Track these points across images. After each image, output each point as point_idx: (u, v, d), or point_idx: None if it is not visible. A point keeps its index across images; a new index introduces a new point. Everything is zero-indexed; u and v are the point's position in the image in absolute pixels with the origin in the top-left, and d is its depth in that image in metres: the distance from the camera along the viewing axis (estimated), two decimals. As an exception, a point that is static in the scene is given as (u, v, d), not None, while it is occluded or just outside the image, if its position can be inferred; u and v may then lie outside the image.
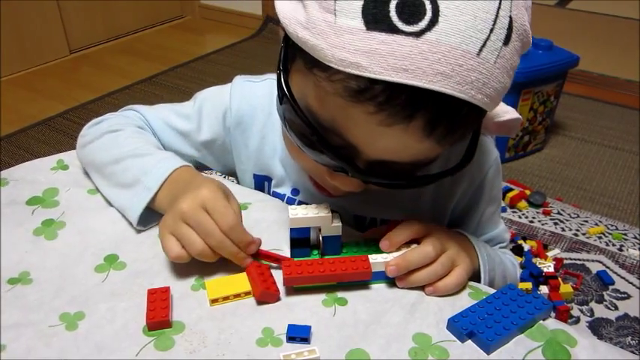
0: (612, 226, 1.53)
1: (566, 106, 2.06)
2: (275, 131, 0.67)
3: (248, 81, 0.69)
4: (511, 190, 1.63)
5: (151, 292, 0.51)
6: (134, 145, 0.64)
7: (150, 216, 0.59)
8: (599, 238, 1.48)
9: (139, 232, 0.60)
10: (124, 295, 0.53)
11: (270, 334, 0.49)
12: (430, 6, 0.40)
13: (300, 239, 0.55)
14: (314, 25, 0.43)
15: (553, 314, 1.18)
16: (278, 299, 0.52)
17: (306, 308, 0.52)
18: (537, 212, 1.58)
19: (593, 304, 1.27)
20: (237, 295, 0.52)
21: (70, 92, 2.26)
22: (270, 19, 2.92)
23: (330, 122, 0.48)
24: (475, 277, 0.58)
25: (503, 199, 1.59)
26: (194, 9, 3.11)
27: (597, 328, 1.21)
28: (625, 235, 1.49)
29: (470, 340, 0.49)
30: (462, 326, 0.49)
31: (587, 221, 1.54)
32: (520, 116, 0.63)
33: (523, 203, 1.60)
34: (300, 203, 0.68)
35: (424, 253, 0.53)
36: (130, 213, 0.59)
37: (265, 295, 0.51)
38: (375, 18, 0.41)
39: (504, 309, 0.51)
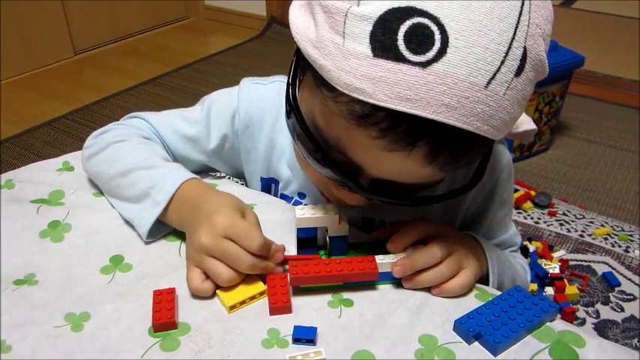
0: (618, 227, 1.52)
1: (571, 107, 2.05)
2: (283, 134, 0.67)
3: (256, 83, 0.68)
4: (516, 190, 1.63)
5: (157, 294, 0.51)
6: (140, 156, 0.63)
7: (159, 227, 0.59)
8: (605, 239, 1.47)
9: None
10: (130, 296, 0.53)
11: (276, 335, 0.49)
12: (439, 36, 0.40)
13: (307, 239, 0.55)
14: (323, 45, 0.43)
15: (559, 316, 1.17)
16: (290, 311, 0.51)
17: (311, 309, 0.51)
18: (543, 213, 1.57)
19: (598, 306, 1.27)
20: (252, 298, 0.52)
21: (74, 93, 2.27)
22: (274, 19, 2.93)
23: (334, 140, 0.49)
24: (484, 280, 0.57)
25: (509, 200, 1.58)
26: (198, 10, 3.12)
27: (603, 329, 1.20)
28: (631, 236, 1.48)
29: (476, 342, 0.49)
30: (468, 328, 0.49)
31: (592, 222, 1.53)
32: (536, 127, 0.63)
33: (528, 204, 1.59)
34: None
35: (431, 254, 0.53)
36: (140, 227, 0.59)
37: (278, 310, 0.51)
38: (383, 45, 0.40)
39: (511, 311, 0.50)
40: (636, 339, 1.18)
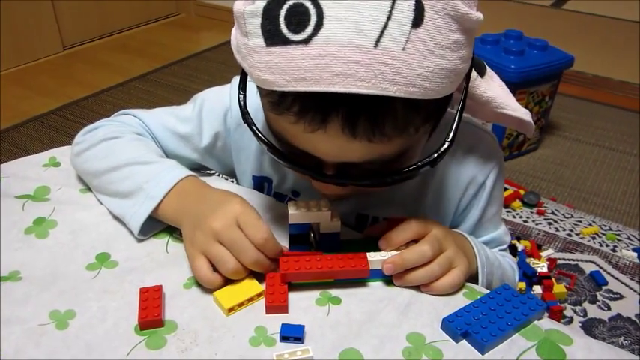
0: (606, 226, 1.53)
1: (560, 107, 2.07)
2: None
3: (247, 81, 0.68)
4: (505, 189, 1.63)
5: (143, 291, 0.51)
6: (135, 152, 0.63)
7: (151, 224, 0.58)
8: (593, 238, 1.48)
9: (130, 230, 0.59)
10: (116, 293, 0.52)
11: (264, 333, 0.48)
12: (314, 10, 0.41)
13: (300, 235, 0.55)
14: (239, 49, 0.47)
15: (546, 314, 1.18)
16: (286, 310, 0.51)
17: (299, 307, 0.51)
18: (531, 212, 1.58)
19: (586, 305, 1.28)
20: (250, 299, 0.51)
21: (63, 89, 2.25)
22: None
23: (281, 135, 0.50)
24: (473, 279, 0.57)
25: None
26: (189, 6, 3.10)
27: (590, 328, 1.21)
28: (618, 235, 1.49)
29: (464, 340, 0.49)
30: (456, 326, 0.49)
31: (580, 221, 1.54)
32: (532, 122, 0.64)
33: (517, 203, 1.60)
34: None
35: (421, 252, 0.53)
36: (132, 222, 0.58)
37: (274, 309, 0.51)
38: (270, 33, 0.43)
39: (499, 309, 0.50)
40: (622, 337, 1.19)
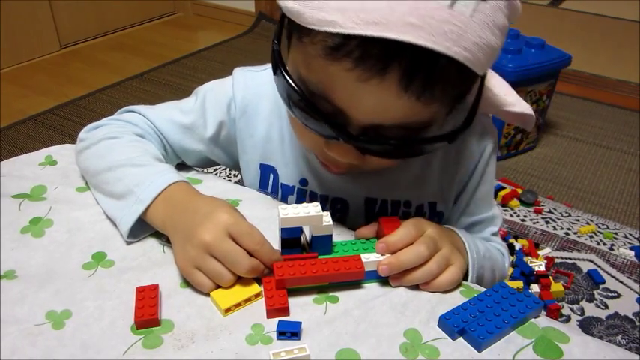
0: (603, 225, 1.53)
1: (558, 106, 2.07)
2: (282, 118, 0.67)
3: (249, 71, 0.69)
4: (503, 188, 1.64)
5: (140, 290, 0.50)
6: (131, 154, 0.62)
7: (142, 227, 0.58)
8: (590, 237, 1.49)
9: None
10: (112, 292, 0.52)
11: (260, 331, 0.48)
12: None
13: (291, 239, 0.54)
14: None
15: (544, 312, 1.18)
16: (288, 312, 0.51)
17: (297, 305, 0.51)
18: (529, 211, 1.58)
19: (583, 303, 1.28)
20: (247, 300, 0.51)
21: (60, 88, 2.24)
22: (263, 15, 2.91)
23: (317, 87, 0.50)
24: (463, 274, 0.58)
25: (495, 197, 1.59)
26: (186, 5, 3.10)
27: (587, 326, 1.21)
28: (616, 234, 1.50)
29: (461, 338, 0.49)
30: (453, 323, 0.49)
31: (578, 220, 1.55)
32: (533, 114, 0.65)
33: (515, 202, 1.60)
34: (310, 193, 0.68)
35: (418, 252, 0.52)
36: (121, 225, 0.58)
37: (275, 313, 0.50)
38: None
39: (496, 307, 0.50)
40: (620, 336, 1.20)
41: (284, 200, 0.69)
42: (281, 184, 0.69)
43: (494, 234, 0.71)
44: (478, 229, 0.70)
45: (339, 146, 0.53)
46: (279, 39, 0.53)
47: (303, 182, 0.68)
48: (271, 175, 0.70)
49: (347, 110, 0.49)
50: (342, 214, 0.68)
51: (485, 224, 0.70)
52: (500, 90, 0.63)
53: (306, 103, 0.50)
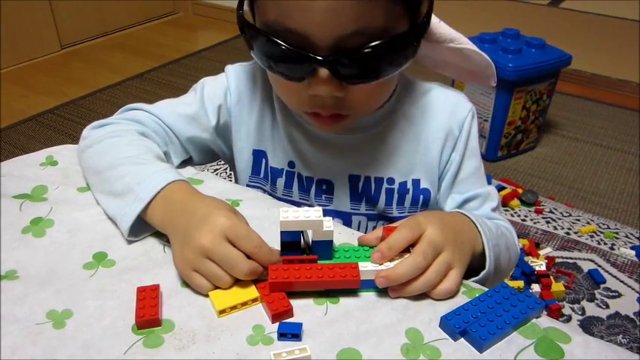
0: (604, 224, 1.53)
1: (558, 105, 2.07)
2: (273, 103, 0.70)
3: (240, 65, 0.73)
4: (503, 188, 1.64)
5: (141, 290, 0.50)
6: (133, 152, 0.62)
7: (142, 227, 0.58)
8: (591, 236, 1.48)
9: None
10: (113, 292, 0.52)
11: (261, 332, 0.48)
12: None
13: (291, 242, 0.53)
14: None
15: (545, 312, 1.18)
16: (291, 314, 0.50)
17: (297, 307, 0.51)
18: (529, 211, 1.58)
19: (584, 303, 1.28)
20: (244, 304, 0.51)
21: (60, 88, 2.24)
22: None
23: (278, 24, 0.54)
24: (480, 256, 0.57)
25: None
26: (187, 5, 3.10)
27: (588, 326, 1.21)
28: (616, 233, 1.50)
29: (462, 339, 0.49)
30: (454, 324, 0.48)
31: (578, 220, 1.55)
32: (491, 62, 0.68)
33: (515, 202, 1.60)
34: (298, 175, 0.71)
35: (415, 264, 0.51)
36: (122, 224, 0.57)
37: (280, 317, 0.50)
38: None
39: (497, 307, 0.50)
40: (621, 335, 1.19)
41: (273, 183, 0.72)
42: (270, 167, 0.72)
43: (493, 209, 0.70)
44: (475, 206, 0.69)
45: (317, 81, 0.55)
46: (242, 6, 0.60)
47: (291, 164, 0.71)
48: (263, 160, 0.73)
49: (307, 30, 0.53)
50: (328, 195, 0.71)
51: (481, 200, 0.69)
52: (445, 28, 0.66)
53: (274, 43, 0.54)
